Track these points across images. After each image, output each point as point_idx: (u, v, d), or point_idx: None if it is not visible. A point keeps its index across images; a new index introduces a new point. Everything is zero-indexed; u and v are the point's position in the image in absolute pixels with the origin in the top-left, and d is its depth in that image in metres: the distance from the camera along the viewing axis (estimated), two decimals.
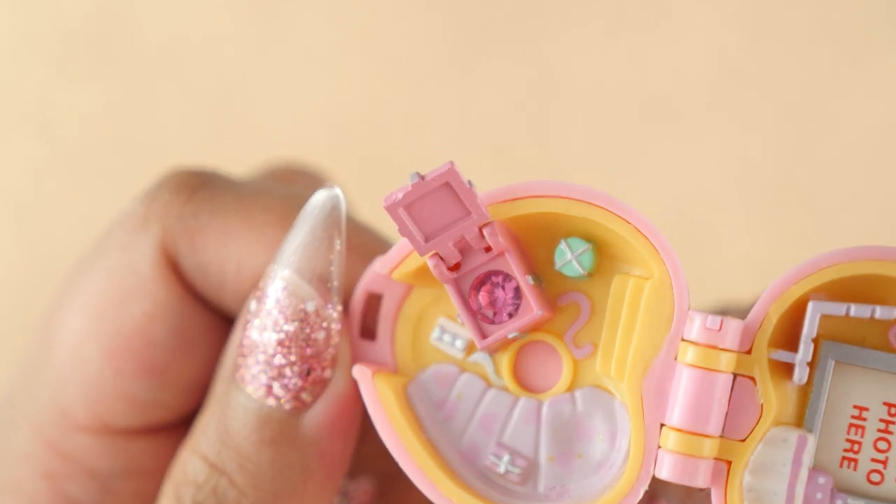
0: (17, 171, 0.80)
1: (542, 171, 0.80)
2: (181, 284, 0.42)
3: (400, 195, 0.36)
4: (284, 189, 0.43)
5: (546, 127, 0.80)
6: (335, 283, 0.38)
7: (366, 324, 0.39)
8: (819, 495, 0.36)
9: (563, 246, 0.37)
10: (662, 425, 0.36)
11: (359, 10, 0.80)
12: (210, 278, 0.41)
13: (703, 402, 0.36)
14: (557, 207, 0.37)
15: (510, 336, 0.37)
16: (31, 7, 0.80)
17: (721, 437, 0.36)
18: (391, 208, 0.36)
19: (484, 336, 0.37)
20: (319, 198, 0.38)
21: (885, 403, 0.36)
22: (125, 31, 0.80)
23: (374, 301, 0.39)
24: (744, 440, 0.36)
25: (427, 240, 0.36)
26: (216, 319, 0.42)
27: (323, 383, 0.38)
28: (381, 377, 0.38)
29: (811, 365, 0.36)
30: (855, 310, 0.35)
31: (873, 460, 0.36)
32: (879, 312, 0.35)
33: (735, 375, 0.36)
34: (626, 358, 0.37)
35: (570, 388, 0.38)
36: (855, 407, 0.36)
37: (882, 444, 0.36)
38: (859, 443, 0.37)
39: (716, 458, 0.36)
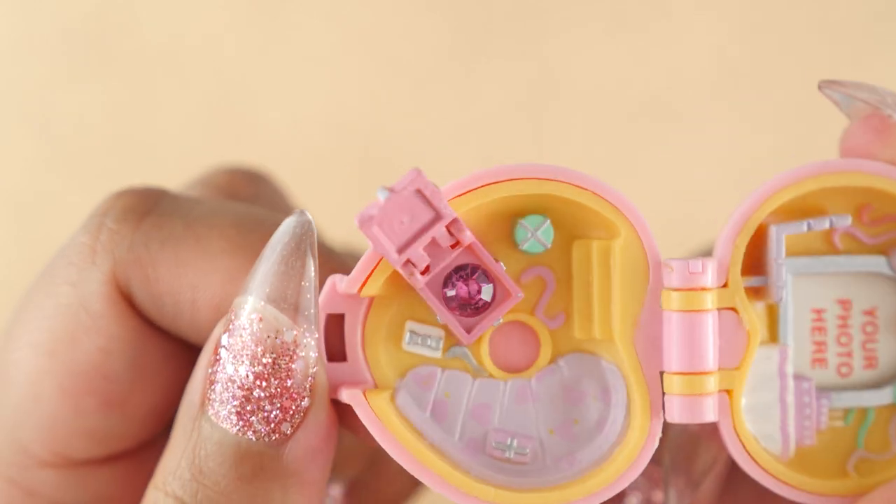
0: (17, 171, 0.80)
1: None
2: (135, 316, 0.41)
3: (375, 211, 0.35)
4: (234, 209, 0.42)
5: (546, 126, 0.80)
6: (311, 311, 0.37)
7: (332, 346, 0.38)
8: (806, 399, 0.39)
9: (522, 225, 0.38)
10: (662, 373, 0.38)
11: (359, 10, 0.80)
12: (165, 309, 0.41)
13: (696, 342, 0.37)
14: (511, 191, 0.37)
15: (495, 324, 0.38)
16: (31, 7, 0.80)
17: (719, 369, 0.38)
18: (365, 226, 0.35)
19: (469, 331, 0.38)
20: (290, 224, 0.37)
21: (838, 301, 0.39)
22: (125, 31, 0.80)
23: (335, 321, 0.38)
24: (738, 367, 0.38)
25: (400, 251, 0.36)
26: (174, 346, 0.42)
27: (303, 413, 0.37)
28: (372, 396, 0.38)
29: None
30: (814, 224, 0.38)
31: (839, 355, 0.39)
32: (835, 221, 0.38)
33: (718, 310, 0.38)
34: (609, 318, 0.38)
35: (553, 359, 0.38)
36: (813, 311, 0.39)
37: (844, 339, 0.40)
38: (824, 342, 0.39)
39: (718, 391, 0.38)
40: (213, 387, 0.37)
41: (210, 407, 0.37)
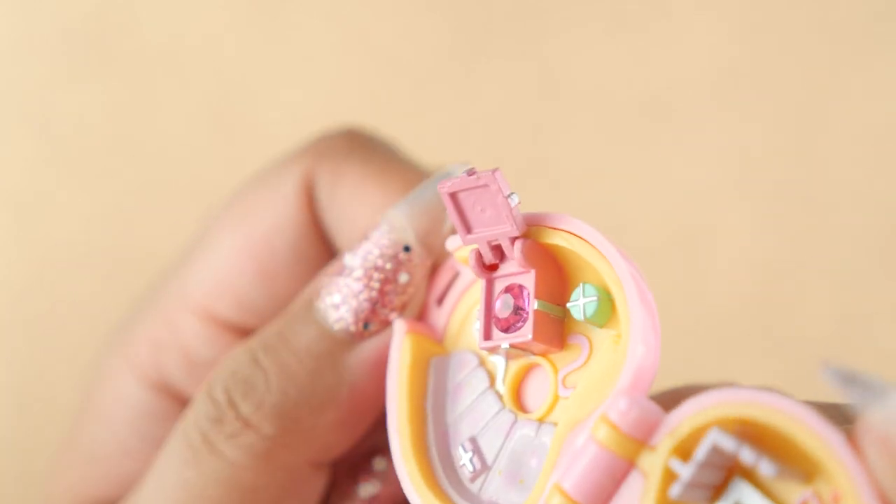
0: (17, 171, 0.80)
1: (542, 170, 0.80)
2: (311, 211, 0.45)
3: (450, 182, 0.37)
4: (421, 165, 0.46)
5: (546, 126, 0.80)
6: (437, 243, 0.41)
7: (445, 291, 0.41)
8: None
9: (579, 287, 0.38)
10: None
11: (359, 10, 0.80)
12: (329, 222, 0.45)
13: (594, 479, 0.35)
14: (580, 249, 0.37)
15: (503, 347, 0.38)
16: (31, 7, 0.80)
17: None
18: (441, 192, 0.38)
19: (486, 338, 0.38)
20: (456, 168, 0.42)
21: None
22: (125, 31, 0.80)
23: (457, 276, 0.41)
24: None
25: (468, 232, 0.37)
26: (326, 256, 0.45)
27: (385, 323, 0.41)
28: (415, 337, 0.40)
29: (719, 491, 0.35)
30: (745, 453, 0.33)
31: None
32: (764, 466, 0.33)
33: (633, 465, 0.35)
34: (573, 409, 0.37)
35: (542, 419, 0.38)
36: None
37: None
38: None
39: None
40: (328, 272, 0.42)
41: (318, 295, 0.41)
